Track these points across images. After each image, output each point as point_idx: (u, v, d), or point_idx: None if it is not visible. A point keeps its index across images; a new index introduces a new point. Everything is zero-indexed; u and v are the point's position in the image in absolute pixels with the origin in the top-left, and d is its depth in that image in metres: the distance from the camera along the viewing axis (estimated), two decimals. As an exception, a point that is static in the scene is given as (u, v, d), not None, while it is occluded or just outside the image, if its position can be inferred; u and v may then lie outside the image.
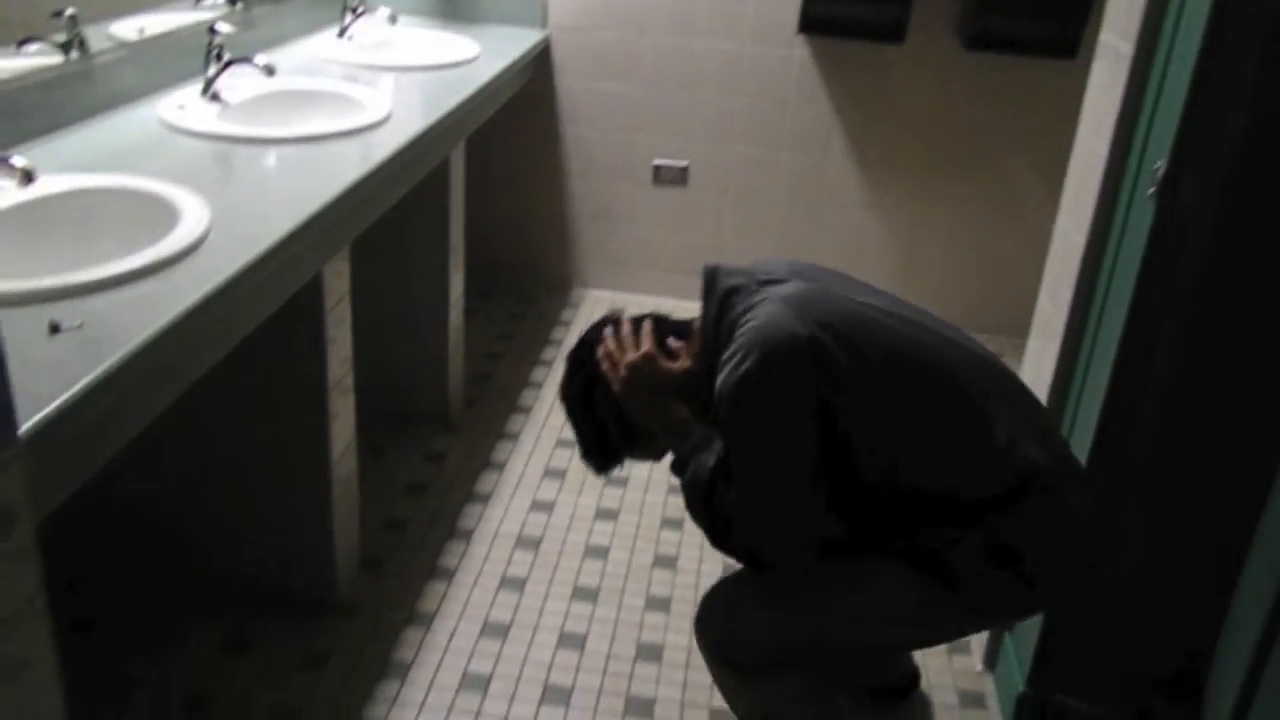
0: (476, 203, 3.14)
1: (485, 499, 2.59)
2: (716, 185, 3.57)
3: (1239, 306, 1.63)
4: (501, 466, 2.72)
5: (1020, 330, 2.20)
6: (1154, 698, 1.85)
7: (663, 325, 1.70)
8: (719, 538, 1.60)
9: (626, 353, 1.64)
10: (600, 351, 1.66)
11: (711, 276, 1.63)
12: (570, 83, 3.50)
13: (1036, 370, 2.03)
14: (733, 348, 1.49)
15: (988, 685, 2.10)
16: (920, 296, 3.59)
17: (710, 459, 1.55)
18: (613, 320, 1.70)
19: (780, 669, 1.61)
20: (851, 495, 1.54)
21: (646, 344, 1.64)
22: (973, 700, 2.07)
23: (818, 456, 1.49)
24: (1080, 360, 1.87)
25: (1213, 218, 1.59)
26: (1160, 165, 1.59)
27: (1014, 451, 1.49)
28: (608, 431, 1.69)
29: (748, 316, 1.51)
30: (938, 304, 3.56)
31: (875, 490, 1.54)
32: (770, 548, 1.57)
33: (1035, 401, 1.61)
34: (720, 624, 1.64)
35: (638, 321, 1.69)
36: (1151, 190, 1.61)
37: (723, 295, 1.58)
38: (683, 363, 1.64)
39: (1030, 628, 1.93)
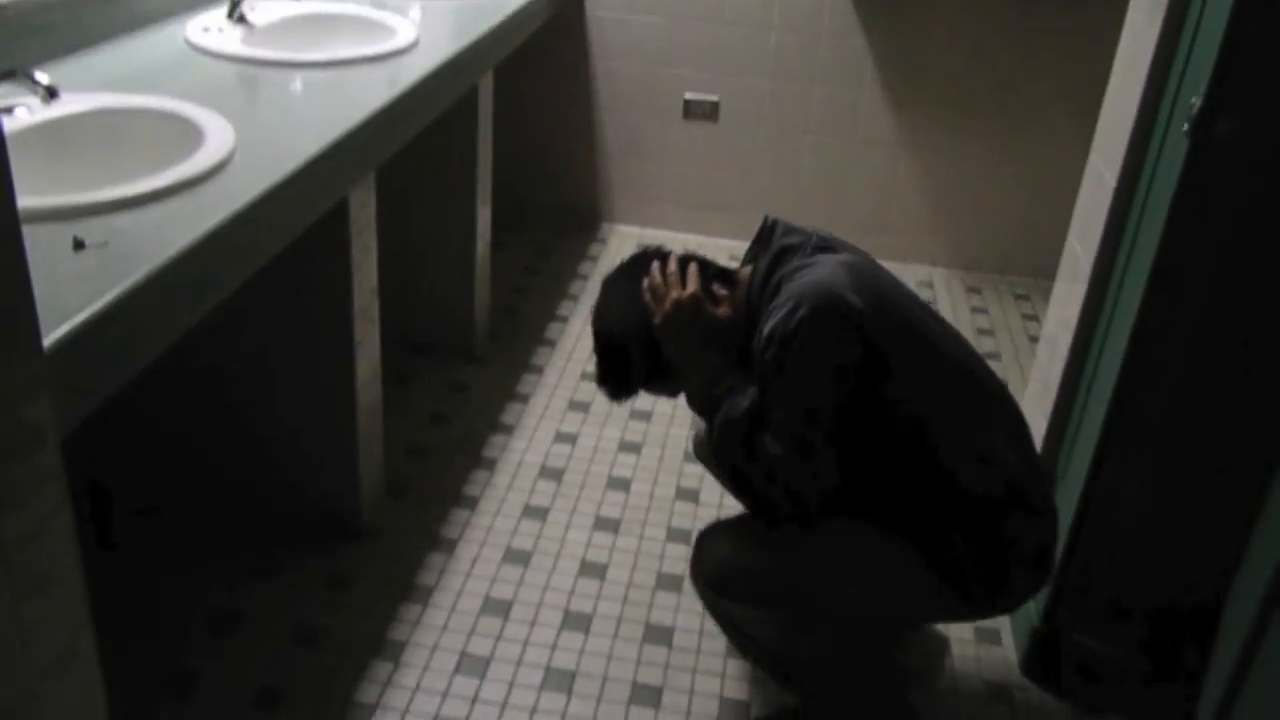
0: (505, 135, 3.12)
1: (509, 429, 2.61)
2: (748, 121, 3.53)
3: (1274, 246, 1.60)
4: (526, 398, 2.74)
5: (1050, 273, 2.17)
6: (1168, 636, 1.86)
7: (707, 269, 1.71)
8: (740, 482, 1.61)
9: (672, 290, 1.65)
10: (646, 283, 1.67)
11: (770, 230, 1.67)
12: (601, 14, 3.46)
13: (1062, 315, 2.01)
14: (784, 297, 1.52)
15: (1004, 623, 2.11)
16: (950, 237, 3.59)
17: (745, 401, 1.56)
18: (658, 255, 1.71)
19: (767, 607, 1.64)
20: (857, 466, 1.56)
21: (693, 284, 1.65)
22: (987, 636, 2.08)
23: (839, 420, 1.52)
24: (1106, 304, 1.85)
25: (1248, 154, 1.56)
26: (1196, 100, 1.56)
27: (1015, 461, 1.59)
28: (631, 361, 1.69)
29: (803, 273, 1.54)
30: (968, 245, 3.57)
31: (882, 464, 1.57)
32: (794, 495, 1.56)
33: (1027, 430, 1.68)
34: (715, 552, 1.65)
35: (684, 261, 1.70)
36: (1186, 126, 1.57)
37: (778, 251, 1.62)
38: (724, 310, 1.65)
39: (1048, 566, 1.93)
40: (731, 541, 1.65)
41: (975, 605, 1.64)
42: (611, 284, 1.75)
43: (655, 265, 1.69)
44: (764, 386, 1.54)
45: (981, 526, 1.56)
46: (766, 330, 1.52)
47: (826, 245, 1.63)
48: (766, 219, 1.70)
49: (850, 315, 1.49)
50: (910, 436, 1.56)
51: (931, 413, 1.57)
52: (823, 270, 1.54)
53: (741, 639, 1.73)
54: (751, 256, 1.71)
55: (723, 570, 1.62)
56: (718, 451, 1.61)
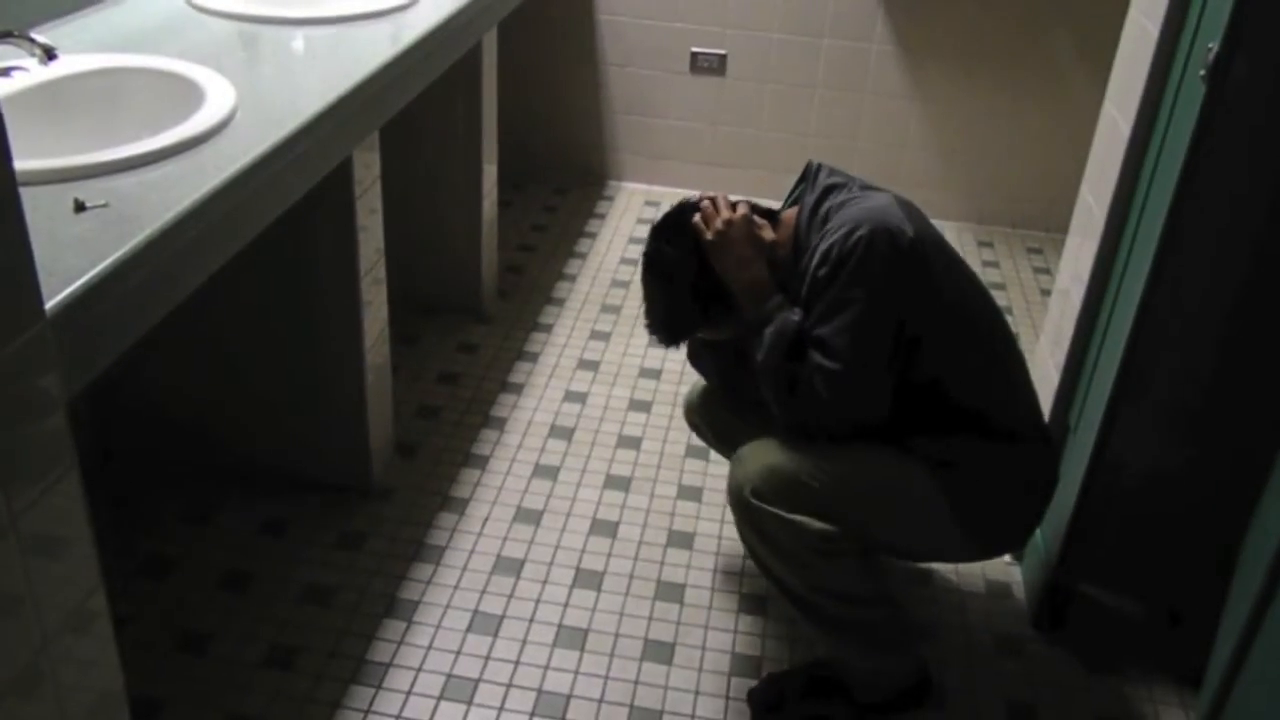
0: (510, 92, 3.09)
1: (518, 389, 2.60)
2: (755, 74, 3.49)
3: (1289, 194, 1.58)
4: (535, 357, 2.73)
5: (1063, 227, 2.15)
6: (1179, 588, 1.86)
7: (754, 208, 1.75)
8: (785, 399, 1.62)
9: (723, 212, 1.71)
10: (697, 216, 1.72)
11: (815, 171, 1.73)
12: (606, -33, 3.42)
13: (1075, 267, 1.99)
14: (838, 222, 1.58)
15: (1014, 575, 2.11)
16: (962, 190, 3.55)
17: (795, 316, 1.61)
18: (699, 201, 1.76)
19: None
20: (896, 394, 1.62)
21: (743, 209, 1.72)
22: (999, 590, 2.08)
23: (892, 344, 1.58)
24: (1119, 257, 1.83)
25: (1266, 99, 1.53)
26: (1213, 45, 1.53)
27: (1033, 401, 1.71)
28: (682, 301, 1.73)
29: (853, 204, 1.61)
30: (980, 198, 3.53)
31: (914, 395, 1.62)
32: (845, 417, 1.61)
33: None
34: (757, 459, 1.66)
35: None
36: (1203, 71, 1.54)
37: (825, 188, 1.68)
38: (771, 235, 1.71)
39: (1059, 519, 1.93)
40: (773, 448, 1.66)
41: (979, 532, 1.68)
42: (660, 229, 1.78)
43: (704, 200, 1.75)
44: (815, 303, 1.59)
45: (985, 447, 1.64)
46: (823, 248, 1.57)
47: (871, 186, 1.69)
48: (810, 163, 1.76)
49: (904, 238, 1.54)
50: (926, 387, 1.62)
51: (949, 372, 1.63)
52: (875, 200, 1.61)
53: (767, 562, 1.72)
54: (796, 197, 1.76)
55: (764, 474, 1.63)
56: (763, 367, 1.63)
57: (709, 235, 1.69)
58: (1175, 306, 1.69)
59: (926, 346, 1.59)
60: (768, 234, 1.71)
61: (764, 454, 1.66)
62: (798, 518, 1.60)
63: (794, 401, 1.61)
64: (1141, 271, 1.70)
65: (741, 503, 1.66)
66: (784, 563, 1.66)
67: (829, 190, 1.68)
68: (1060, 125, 3.35)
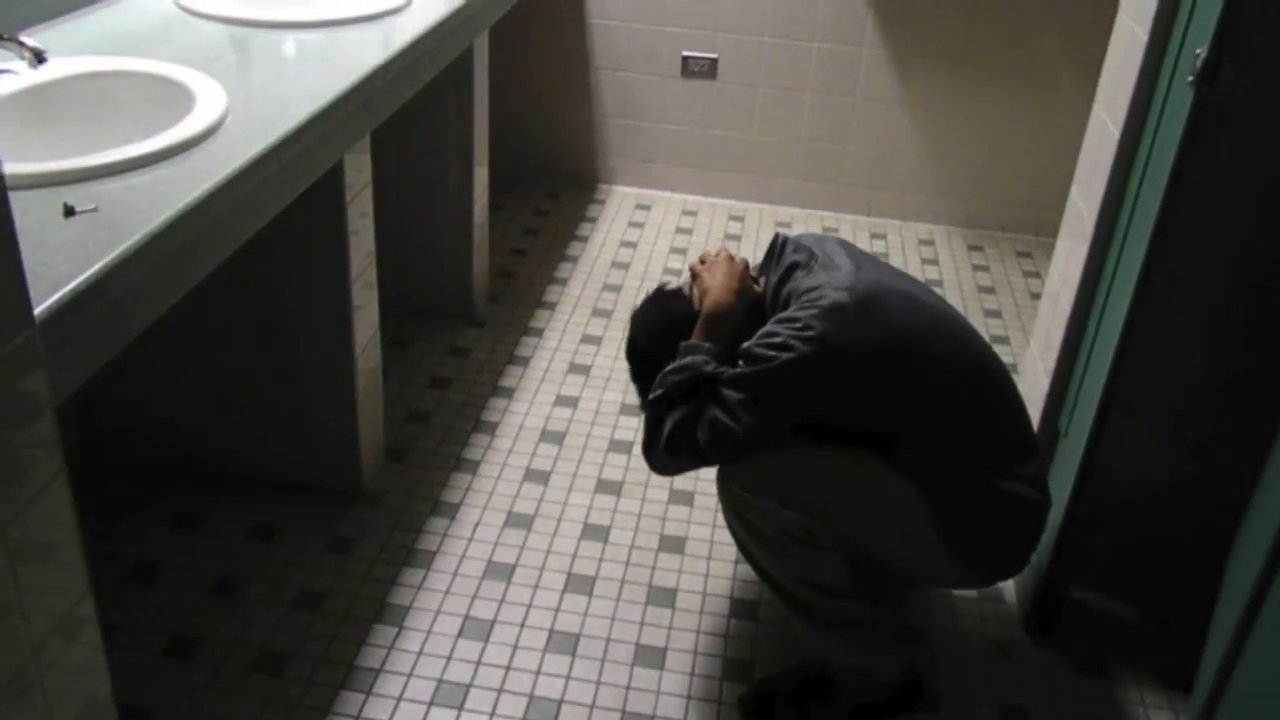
0: (501, 96, 3.09)
1: (509, 393, 2.60)
2: (746, 78, 3.50)
3: (1279, 202, 1.59)
4: (526, 361, 2.73)
5: (1053, 231, 2.16)
6: (1170, 592, 1.86)
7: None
8: (656, 428, 1.71)
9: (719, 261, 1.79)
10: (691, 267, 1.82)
11: (781, 247, 1.75)
12: (597, -29, 3.42)
13: (1064, 271, 1.99)
14: (779, 325, 1.59)
15: (1006, 581, 2.11)
16: (952, 194, 3.56)
17: (709, 368, 1.64)
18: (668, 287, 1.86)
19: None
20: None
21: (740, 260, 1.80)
22: (990, 594, 2.08)
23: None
24: (1109, 260, 1.83)
25: (1253, 105, 1.54)
26: (1200, 51, 1.53)
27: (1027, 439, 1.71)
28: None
29: (809, 294, 1.60)
30: (970, 203, 3.54)
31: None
32: (706, 462, 1.71)
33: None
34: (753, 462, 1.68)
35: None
36: (1191, 78, 1.55)
37: (786, 268, 1.70)
38: (760, 288, 1.76)
39: (1049, 524, 1.93)
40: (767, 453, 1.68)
41: (969, 559, 1.68)
42: (640, 311, 1.85)
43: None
44: (737, 386, 1.61)
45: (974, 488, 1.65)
46: (757, 344, 1.60)
47: (830, 262, 1.66)
48: (777, 237, 1.77)
49: (835, 353, 1.55)
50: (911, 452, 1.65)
51: (918, 435, 1.64)
52: (833, 285, 1.59)
53: (752, 550, 1.73)
54: (762, 271, 1.79)
55: (753, 464, 1.65)
56: (658, 383, 1.69)
57: (700, 269, 1.77)
58: (1165, 310, 1.70)
59: (899, 435, 1.63)
60: (758, 286, 1.75)
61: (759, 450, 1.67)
62: (782, 508, 1.62)
63: (671, 427, 1.66)
64: (1131, 275, 1.70)
65: (728, 493, 1.68)
66: (767, 551, 1.68)
67: (791, 269, 1.68)
68: (1050, 129, 3.37)
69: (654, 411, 1.71)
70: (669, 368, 1.68)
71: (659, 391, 1.69)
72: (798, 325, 1.56)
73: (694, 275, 1.79)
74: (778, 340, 1.56)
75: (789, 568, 1.67)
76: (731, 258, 1.78)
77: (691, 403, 1.65)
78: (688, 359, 1.67)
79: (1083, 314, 1.91)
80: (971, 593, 2.08)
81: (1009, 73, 3.34)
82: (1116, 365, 1.75)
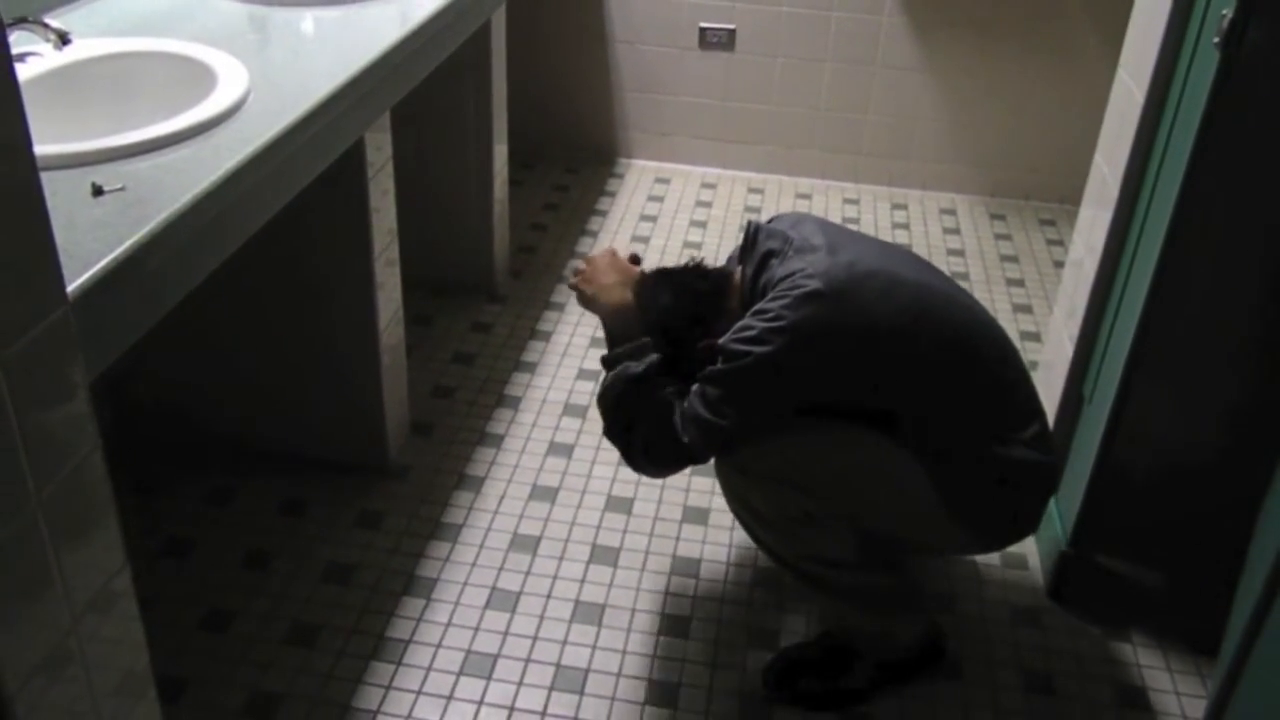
0: (520, 71, 3.09)
1: (532, 368, 2.61)
2: (765, 49, 3.48)
3: (1305, 162, 1.57)
4: (548, 336, 2.74)
5: (1076, 198, 2.14)
6: (1195, 557, 1.86)
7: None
8: (620, 434, 1.70)
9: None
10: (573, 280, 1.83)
11: (754, 234, 1.72)
12: (613, -57, 3.40)
13: (1088, 238, 1.98)
14: (755, 319, 1.57)
15: (1030, 547, 2.12)
16: (973, 163, 3.54)
17: (638, 368, 1.66)
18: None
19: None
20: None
21: (610, 248, 1.85)
22: (1014, 561, 2.09)
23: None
24: (1134, 227, 1.82)
25: (1281, 66, 1.52)
26: (1226, 11, 1.52)
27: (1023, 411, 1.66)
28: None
29: (784, 283, 1.58)
30: (992, 171, 3.52)
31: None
32: (686, 461, 1.69)
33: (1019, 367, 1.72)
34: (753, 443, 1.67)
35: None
36: (1217, 38, 1.53)
37: (761, 256, 1.67)
38: (638, 269, 1.79)
39: (1074, 490, 1.93)
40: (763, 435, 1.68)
41: (978, 527, 1.67)
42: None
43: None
44: (713, 383, 1.61)
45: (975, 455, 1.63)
46: (731, 341, 1.59)
47: (805, 246, 1.63)
48: (749, 225, 1.74)
49: (815, 338, 1.55)
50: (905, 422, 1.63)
51: (913, 412, 1.62)
52: (808, 272, 1.57)
53: (757, 532, 1.74)
54: (739, 261, 1.76)
55: (752, 447, 1.64)
56: (600, 399, 1.73)
57: (577, 281, 1.79)
58: (1190, 276, 1.69)
59: (897, 409, 1.62)
60: (633, 269, 1.78)
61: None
62: (782, 490, 1.62)
63: (647, 446, 1.66)
64: (1156, 241, 1.69)
65: (727, 475, 1.69)
66: (771, 532, 1.69)
67: (766, 258, 1.66)
68: (1073, 95, 3.33)
69: (614, 439, 1.72)
70: (599, 393, 1.72)
71: (606, 421, 1.71)
72: (770, 316, 1.55)
73: (576, 290, 1.79)
74: (752, 334, 1.55)
75: (795, 546, 1.68)
76: (613, 253, 1.81)
77: (652, 410, 1.64)
78: (610, 376, 1.69)
79: (1107, 281, 1.90)
80: (995, 560, 2.09)
81: (1031, 38, 3.31)
82: (1141, 332, 1.74)
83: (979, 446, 1.61)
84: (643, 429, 1.65)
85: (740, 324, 1.59)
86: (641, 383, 1.65)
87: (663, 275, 1.76)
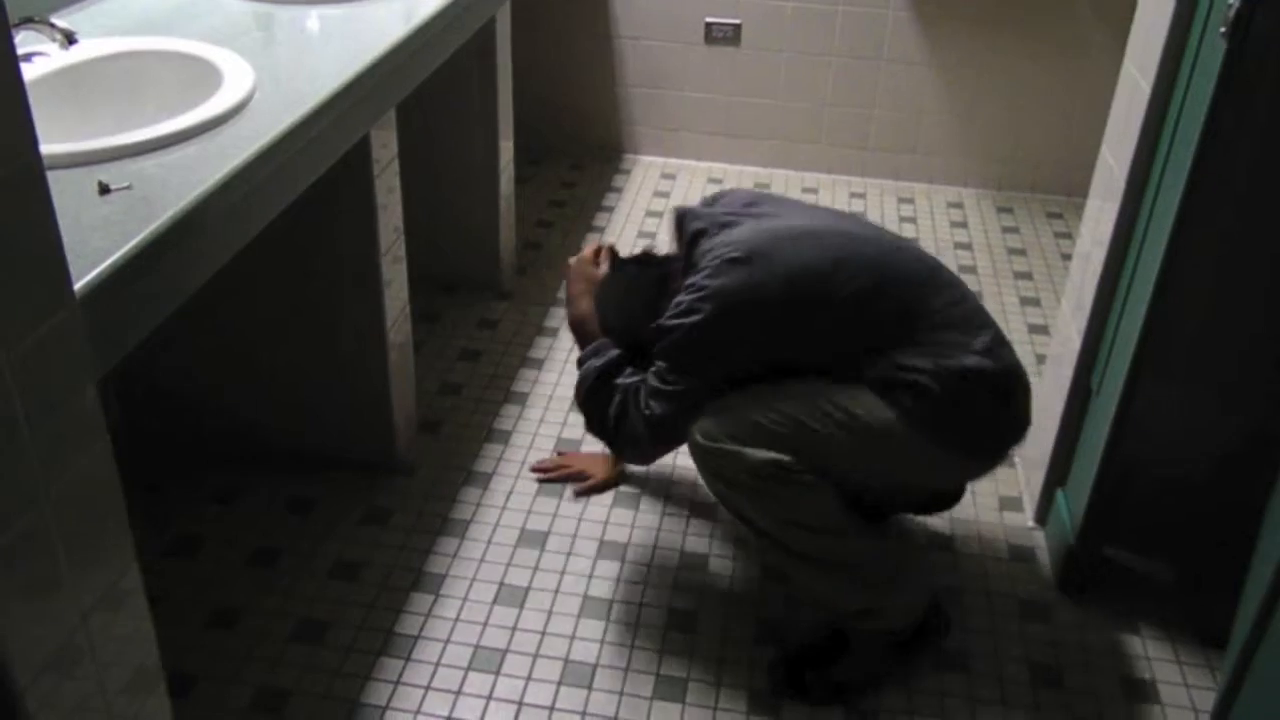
0: (525, 68, 3.09)
1: (539, 364, 2.61)
2: (771, 43, 3.47)
3: (1313, 152, 1.57)
4: (555, 332, 2.74)
5: (1083, 191, 2.14)
6: (1204, 549, 1.86)
7: (646, 256, 1.93)
8: (603, 425, 1.82)
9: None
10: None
11: (682, 218, 1.82)
12: (618, -62, 3.40)
13: (1095, 231, 1.98)
14: (686, 294, 1.67)
15: (1038, 540, 2.12)
16: (980, 156, 3.53)
17: (598, 362, 1.81)
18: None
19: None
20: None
21: (588, 251, 1.97)
22: (1022, 555, 2.08)
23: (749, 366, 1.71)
24: (1141, 219, 1.82)
25: (1288, 57, 1.52)
26: (1233, 2, 1.51)
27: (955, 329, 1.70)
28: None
29: (707, 257, 1.70)
30: (999, 164, 3.51)
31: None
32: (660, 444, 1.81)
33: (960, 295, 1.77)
34: (710, 413, 1.72)
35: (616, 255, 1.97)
36: (1223, 28, 1.53)
37: (691, 237, 1.77)
38: (603, 273, 1.91)
39: (1082, 483, 1.93)
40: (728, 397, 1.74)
41: (949, 444, 1.68)
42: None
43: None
44: (659, 367, 1.73)
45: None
46: (665, 322, 1.70)
47: (729, 220, 1.75)
48: (676, 211, 1.85)
49: (740, 304, 1.65)
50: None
51: (852, 348, 1.69)
52: (716, 265, 1.67)
53: (738, 506, 1.75)
54: (677, 248, 1.86)
55: (715, 414, 1.68)
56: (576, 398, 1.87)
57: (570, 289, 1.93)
58: (1198, 269, 1.68)
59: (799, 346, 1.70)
60: (600, 270, 1.91)
61: (714, 404, 1.72)
62: (749, 450, 1.64)
63: (616, 426, 1.78)
64: (1164, 233, 1.69)
65: (696, 448, 1.71)
66: (750, 500, 1.69)
67: (696, 238, 1.76)
68: (1079, 87, 3.32)
69: (595, 431, 1.86)
70: (575, 392, 1.86)
71: (585, 416, 1.85)
72: (696, 288, 1.66)
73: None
74: (682, 308, 1.67)
75: (774, 510, 1.68)
76: (585, 258, 1.94)
77: (619, 397, 1.76)
78: (580, 374, 1.84)
79: (1114, 273, 1.90)
80: (1003, 553, 2.09)
81: (1037, 31, 3.30)
82: (1148, 324, 1.74)
83: (928, 365, 1.64)
84: (615, 415, 1.77)
85: (675, 300, 1.70)
86: (606, 375, 1.79)
87: (612, 278, 1.91)
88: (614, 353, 1.81)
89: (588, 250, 1.96)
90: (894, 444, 1.65)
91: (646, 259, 1.94)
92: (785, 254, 1.67)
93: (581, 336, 1.91)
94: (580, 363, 1.85)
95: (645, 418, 1.73)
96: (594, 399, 1.81)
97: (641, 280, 1.87)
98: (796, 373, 1.70)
